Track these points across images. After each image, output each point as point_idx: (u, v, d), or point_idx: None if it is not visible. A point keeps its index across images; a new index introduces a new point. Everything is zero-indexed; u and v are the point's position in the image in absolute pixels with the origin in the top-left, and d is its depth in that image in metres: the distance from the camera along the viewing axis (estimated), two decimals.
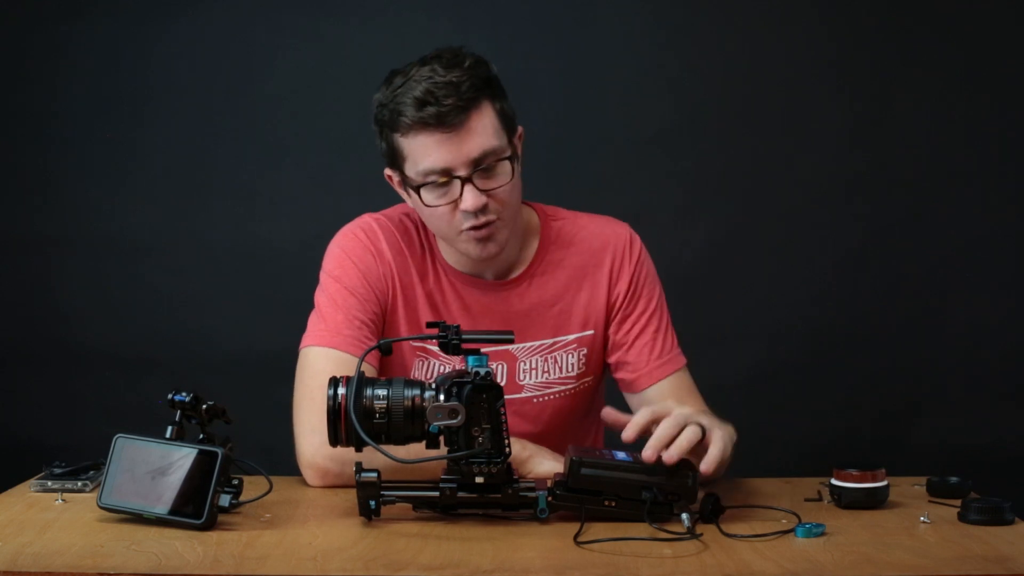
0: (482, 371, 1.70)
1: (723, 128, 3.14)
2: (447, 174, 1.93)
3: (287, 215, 3.15)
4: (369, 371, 1.98)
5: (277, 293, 3.14)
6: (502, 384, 2.05)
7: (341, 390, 1.68)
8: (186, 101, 3.14)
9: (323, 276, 2.10)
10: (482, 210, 1.95)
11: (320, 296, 2.08)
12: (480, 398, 1.69)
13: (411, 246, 2.10)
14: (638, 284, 2.13)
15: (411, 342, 2.08)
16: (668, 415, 1.74)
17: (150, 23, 3.13)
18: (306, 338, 2.05)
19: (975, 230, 3.11)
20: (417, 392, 1.69)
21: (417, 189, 1.96)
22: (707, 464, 1.71)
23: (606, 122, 3.12)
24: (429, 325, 1.77)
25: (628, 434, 1.73)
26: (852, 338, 3.13)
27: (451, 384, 1.70)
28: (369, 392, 1.69)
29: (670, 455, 1.69)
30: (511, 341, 1.77)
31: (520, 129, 2.04)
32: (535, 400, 2.11)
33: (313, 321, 2.06)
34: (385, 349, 1.78)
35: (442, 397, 1.69)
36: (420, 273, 2.09)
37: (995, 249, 3.11)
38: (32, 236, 3.17)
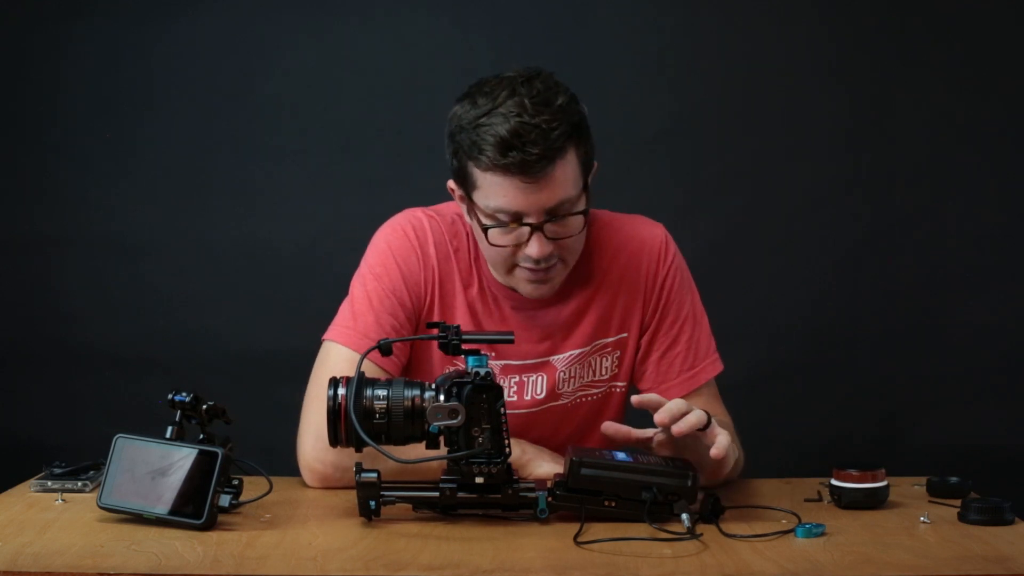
0: (482, 371, 1.70)
1: (723, 128, 3.13)
2: (518, 219, 1.88)
3: (287, 215, 3.14)
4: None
5: (277, 293, 3.14)
6: (541, 396, 2.06)
7: (341, 390, 1.69)
8: (186, 101, 3.14)
9: (364, 268, 2.04)
10: (546, 258, 1.91)
11: (356, 288, 2.03)
12: (480, 398, 1.69)
13: (459, 251, 2.05)
14: (671, 291, 2.10)
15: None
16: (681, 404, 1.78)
17: (150, 23, 3.12)
18: (332, 330, 2.02)
19: (975, 230, 3.10)
20: (417, 392, 1.70)
21: (484, 228, 1.91)
22: (717, 447, 1.75)
23: (606, 122, 3.08)
24: (429, 325, 1.77)
25: (660, 418, 1.76)
26: (852, 338, 3.13)
27: (451, 384, 1.70)
28: (369, 392, 1.69)
29: (679, 427, 1.72)
30: (511, 342, 1.77)
31: (596, 165, 1.98)
32: (569, 404, 2.10)
33: (343, 314, 2.02)
34: (385, 350, 1.77)
35: (442, 397, 1.69)
36: (464, 280, 2.04)
37: (995, 249, 3.11)
38: (32, 236, 3.17)
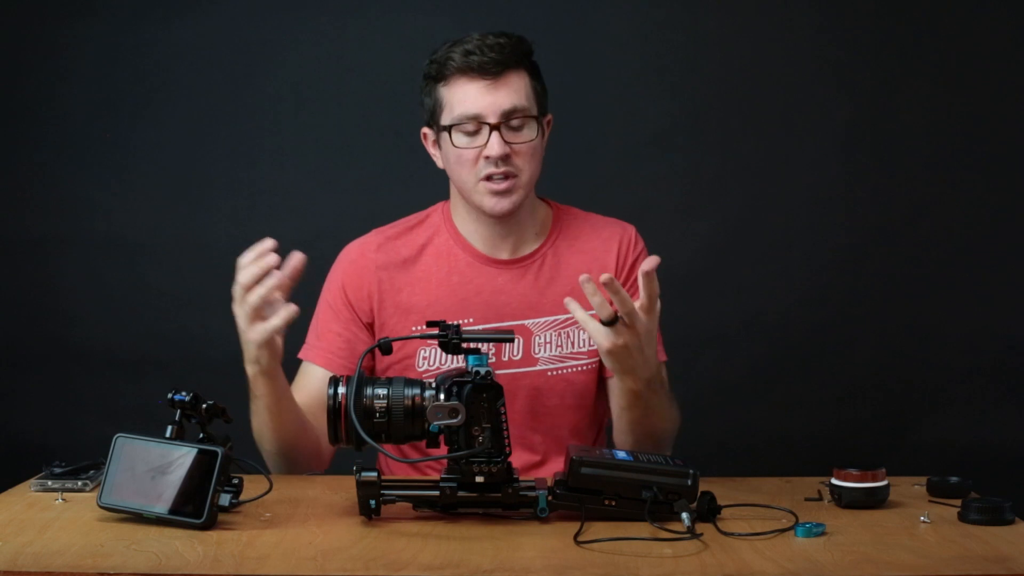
0: (482, 371, 1.70)
1: (723, 128, 3.14)
2: (478, 120, 2.07)
3: (287, 215, 3.14)
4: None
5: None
6: (518, 358, 2.14)
7: (341, 389, 1.69)
8: (186, 101, 3.14)
9: (322, 292, 2.25)
10: (503, 159, 2.07)
11: (318, 307, 2.24)
12: (480, 397, 1.69)
13: (414, 243, 2.20)
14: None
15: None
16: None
17: (150, 23, 3.13)
18: (302, 351, 2.22)
19: (975, 230, 3.10)
20: (417, 391, 1.70)
21: (449, 131, 2.09)
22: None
23: (606, 122, 3.12)
24: (429, 324, 1.78)
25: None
26: (852, 338, 3.13)
27: (451, 383, 1.70)
28: (369, 391, 1.69)
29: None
30: (511, 340, 1.78)
31: (549, 116, 2.18)
32: (550, 373, 2.15)
33: (308, 336, 2.24)
34: (385, 348, 1.79)
35: (442, 396, 1.69)
36: (437, 258, 2.18)
37: (995, 249, 3.11)
38: (32, 236, 3.16)
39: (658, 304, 1.85)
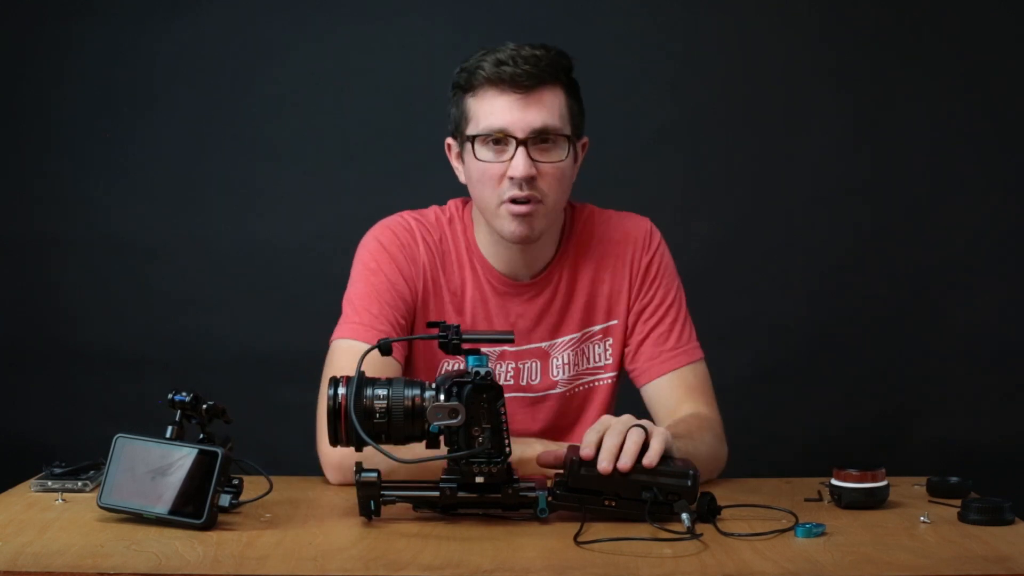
0: (482, 371, 1.70)
1: (723, 128, 3.14)
2: (504, 134, 1.97)
3: (287, 215, 3.15)
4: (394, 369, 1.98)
5: (277, 293, 3.14)
6: (536, 381, 2.11)
7: (341, 390, 1.69)
8: (186, 101, 3.14)
9: (358, 268, 2.09)
10: (528, 182, 1.97)
11: (356, 285, 2.08)
12: (480, 398, 1.69)
13: (444, 246, 2.11)
14: (656, 274, 2.15)
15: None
16: (610, 427, 1.74)
17: (150, 23, 3.13)
18: (338, 329, 2.05)
19: (975, 230, 3.11)
20: (417, 392, 1.70)
21: (473, 142, 1.99)
22: (648, 457, 1.71)
23: (606, 122, 3.10)
24: (429, 325, 1.78)
25: (587, 452, 1.73)
26: (852, 338, 3.13)
27: (451, 384, 1.70)
28: (369, 392, 1.69)
29: (623, 463, 1.70)
30: (511, 341, 1.77)
31: (585, 139, 2.09)
32: (568, 393, 2.13)
33: (347, 313, 2.06)
34: (385, 349, 1.77)
35: (442, 397, 1.69)
36: (458, 271, 2.10)
37: (995, 249, 3.11)
38: (32, 236, 3.17)
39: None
